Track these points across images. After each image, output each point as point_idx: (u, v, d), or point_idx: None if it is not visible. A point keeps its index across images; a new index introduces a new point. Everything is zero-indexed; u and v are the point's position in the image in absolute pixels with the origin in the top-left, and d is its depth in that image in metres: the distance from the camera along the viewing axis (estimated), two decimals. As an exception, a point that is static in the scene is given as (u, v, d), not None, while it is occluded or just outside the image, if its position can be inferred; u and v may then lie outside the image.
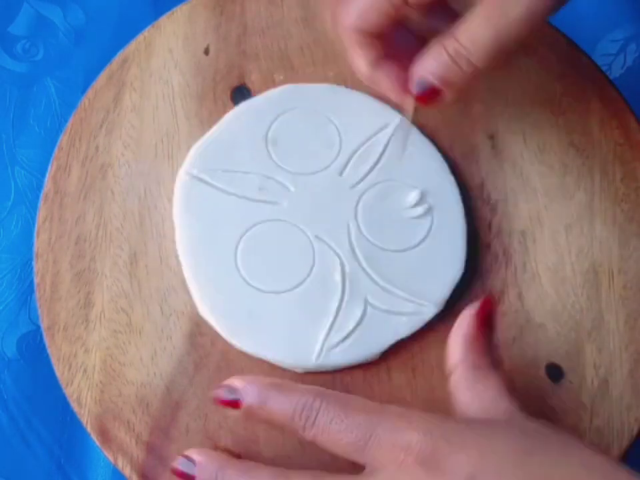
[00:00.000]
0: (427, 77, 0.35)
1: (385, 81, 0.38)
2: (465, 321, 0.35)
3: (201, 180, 0.40)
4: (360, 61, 0.37)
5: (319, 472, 0.32)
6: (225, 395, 0.34)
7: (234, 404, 0.34)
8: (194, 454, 0.34)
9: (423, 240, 0.40)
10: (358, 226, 0.40)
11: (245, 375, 0.35)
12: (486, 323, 0.35)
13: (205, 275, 0.39)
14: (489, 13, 0.34)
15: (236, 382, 0.34)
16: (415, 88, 0.36)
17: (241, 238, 0.39)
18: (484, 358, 0.34)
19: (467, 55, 0.34)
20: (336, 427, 0.31)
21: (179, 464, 0.34)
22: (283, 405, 0.33)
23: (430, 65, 0.35)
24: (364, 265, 0.39)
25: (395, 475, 0.30)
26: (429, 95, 0.36)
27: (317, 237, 0.39)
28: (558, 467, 0.30)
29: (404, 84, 0.37)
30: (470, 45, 0.34)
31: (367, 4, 0.36)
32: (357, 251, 0.39)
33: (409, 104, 0.38)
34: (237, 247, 0.39)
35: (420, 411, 0.32)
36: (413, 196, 0.40)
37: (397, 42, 0.38)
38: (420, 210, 0.40)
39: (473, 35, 0.34)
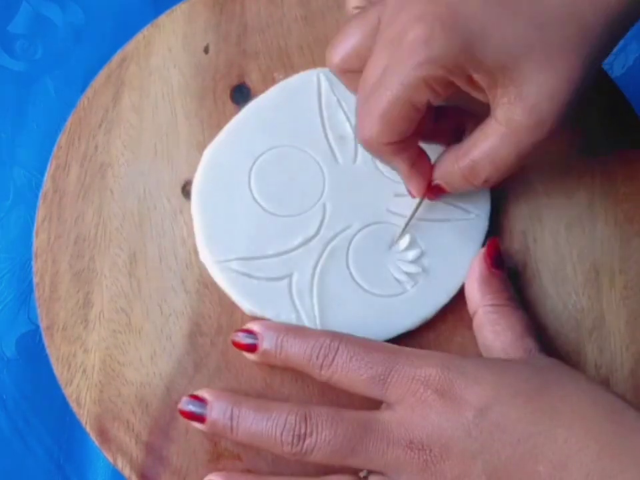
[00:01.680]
0: (441, 185, 0.37)
1: (420, 180, 0.37)
2: (476, 265, 0.37)
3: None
4: (401, 166, 0.36)
5: (336, 408, 0.33)
6: (243, 339, 0.36)
7: (252, 348, 0.35)
8: (204, 393, 0.35)
9: (390, 296, 0.38)
10: (352, 236, 0.39)
11: (263, 321, 0.37)
12: (496, 263, 0.37)
13: (215, 169, 0.40)
14: (513, 136, 0.33)
15: (254, 326, 0.36)
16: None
17: (269, 150, 0.41)
18: (501, 296, 0.36)
19: (486, 176, 0.35)
20: (356, 363, 0.33)
21: (187, 404, 0.35)
22: (299, 347, 0.34)
23: (445, 179, 0.37)
24: (317, 270, 0.39)
25: (414, 406, 0.32)
26: (436, 194, 0.38)
27: (323, 204, 0.40)
28: (567, 402, 0.31)
29: (429, 185, 0.37)
30: (491, 167, 0.35)
31: (392, 115, 0.33)
32: (328, 249, 0.39)
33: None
34: (260, 156, 0.41)
35: (437, 351, 0.34)
36: (404, 241, 0.39)
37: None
38: (410, 269, 0.39)
39: (494, 158, 0.34)
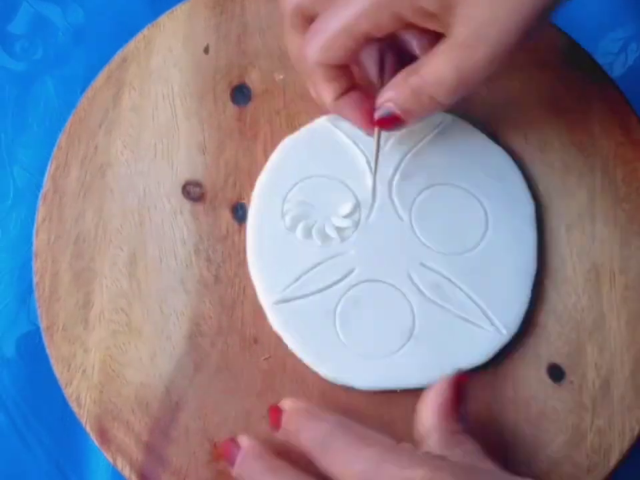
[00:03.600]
0: (389, 106, 0.37)
1: (349, 110, 0.38)
2: (439, 390, 0.36)
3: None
4: (325, 93, 0.38)
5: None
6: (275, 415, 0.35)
7: (275, 416, 0.35)
8: (244, 440, 0.35)
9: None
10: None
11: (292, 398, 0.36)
12: (459, 394, 0.36)
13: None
14: (453, 54, 0.35)
15: (285, 405, 0.36)
16: (376, 114, 0.37)
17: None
18: (458, 425, 0.35)
19: (431, 93, 0.36)
20: (347, 457, 0.33)
21: (225, 445, 0.35)
22: (309, 432, 0.34)
23: (393, 95, 0.37)
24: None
25: None
26: (390, 121, 0.37)
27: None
28: None
29: (369, 113, 0.38)
30: (435, 83, 0.36)
31: (329, 39, 0.36)
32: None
33: (375, 130, 0.39)
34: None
35: (432, 453, 0.33)
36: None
37: (364, 66, 0.39)
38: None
39: (437, 74, 0.35)
